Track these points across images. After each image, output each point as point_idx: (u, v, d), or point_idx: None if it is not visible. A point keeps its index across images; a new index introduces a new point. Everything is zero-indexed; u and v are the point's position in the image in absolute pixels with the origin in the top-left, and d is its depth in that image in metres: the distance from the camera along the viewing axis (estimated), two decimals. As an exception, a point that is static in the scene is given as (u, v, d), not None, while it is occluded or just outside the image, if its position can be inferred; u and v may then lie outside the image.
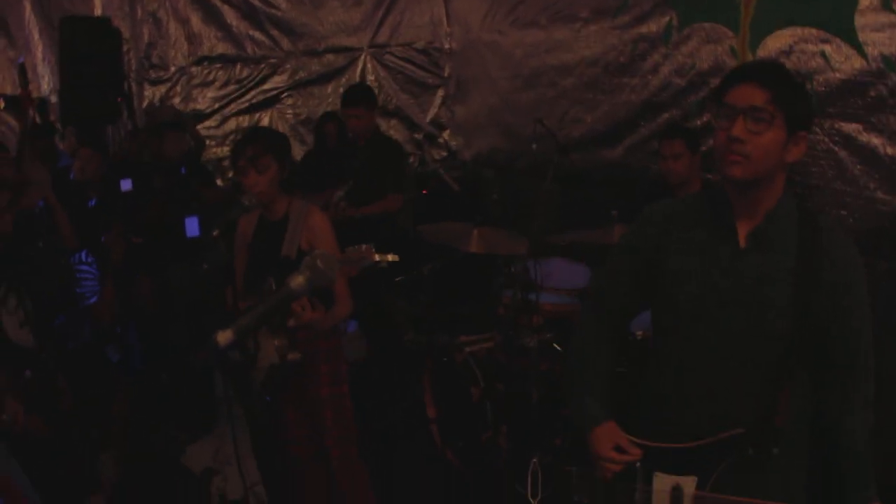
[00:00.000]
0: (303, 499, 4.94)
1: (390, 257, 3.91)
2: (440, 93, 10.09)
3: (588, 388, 2.99)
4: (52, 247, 5.28)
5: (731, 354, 2.63)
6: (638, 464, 2.77)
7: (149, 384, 6.48)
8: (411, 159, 10.07)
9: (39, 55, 9.75)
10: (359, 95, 7.03)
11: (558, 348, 5.21)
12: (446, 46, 9.86)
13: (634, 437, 2.81)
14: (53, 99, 9.61)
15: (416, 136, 10.17)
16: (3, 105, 6.67)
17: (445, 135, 10.20)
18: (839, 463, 2.65)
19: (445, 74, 9.95)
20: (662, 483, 2.72)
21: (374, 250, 3.87)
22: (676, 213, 2.82)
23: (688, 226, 2.76)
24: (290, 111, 10.09)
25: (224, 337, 2.44)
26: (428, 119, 10.13)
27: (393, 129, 10.08)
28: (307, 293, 2.74)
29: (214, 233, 4.09)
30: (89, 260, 5.65)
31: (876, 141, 4.93)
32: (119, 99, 8.87)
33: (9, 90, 9.88)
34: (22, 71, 6.12)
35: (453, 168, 9.76)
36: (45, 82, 9.76)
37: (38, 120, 9.17)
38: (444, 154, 10.17)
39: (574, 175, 5.89)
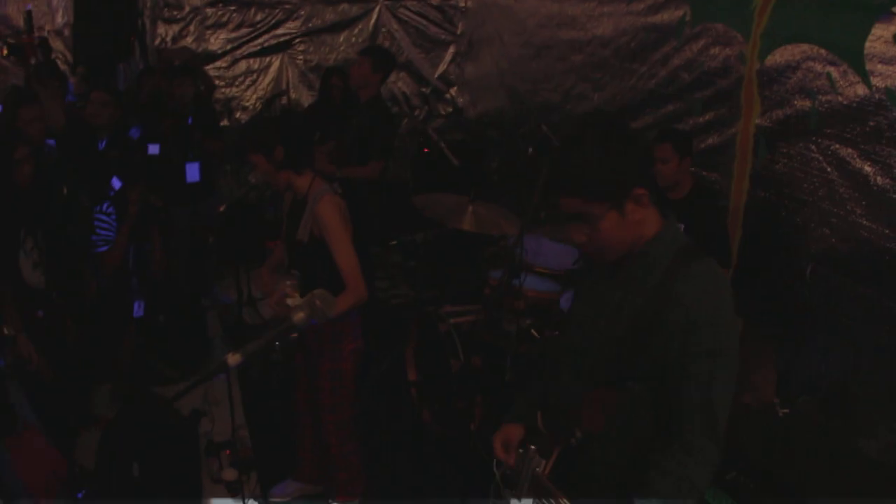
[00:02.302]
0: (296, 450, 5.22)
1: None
2: (451, 49, 10.22)
3: (527, 392, 3.24)
4: (75, 194, 5.38)
5: (581, 358, 2.84)
6: (531, 446, 2.94)
7: (146, 324, 6.57)
8: (416, 112, 10.16)
9: (55, -12, 9.72)
10: (375, 50, 7.13)
11: (536, 335, 5.36)
12: (461, 4, 9.96)
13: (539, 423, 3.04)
14: (66, 33, 9.57)
15: (424, 90, 10.26)
16: (6, 52, 6.66)
17: (453, 91, 10.31)
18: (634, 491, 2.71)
19: (458, 32, 10.03)
20: (533, 462, 2.92)
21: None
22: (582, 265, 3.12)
23: (586, 271, 3.04)
24: (300, 57, 10.12)
25: (234, 359, 2.73)
26: (437, 74, 10.26)
27: (401, 82, 10.22)
28: (306, 327, 2.97)
29: (221, 208, 4.17)
30: (109, 210, 5.73)
31: (868, 169, 5.01)
32: (132, 37, 8.88)
33: (22, 22, 9.84)
34: (28, 17, 6.16)
35: (457, 127, 9.85)
36: (59, 15, 9.68)
37: (39, 58, 9.18)
38: (450, 110, 10.26)
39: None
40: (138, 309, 6.19)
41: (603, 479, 2.79)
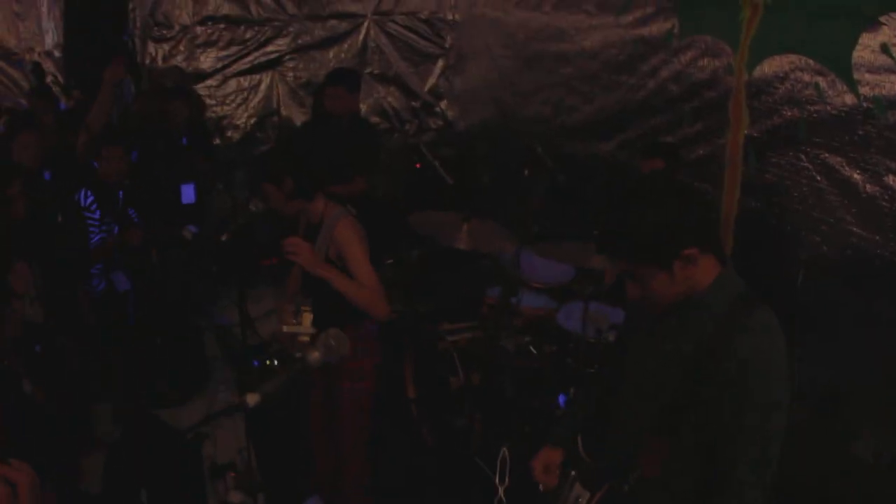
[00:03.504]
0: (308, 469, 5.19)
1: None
2: (440, 63, 10.23)
3: (567, 413, 3.37)
4: (71, 222, 5.38)
5: (637, 403, 2.84)
6: (573, 472, 3.04)
7: (142, 346, 6.58)
8: (407, 127, 10.19)
9: (45, 9, 9.67)
10: (341, 75, 7.07)
11: (534, 351, 5.40)
12: (449, 17, 9.97)
13: (580, 450, 3.09)
14: (57, 54, 9.58)
15: (414, 104, 10.27)
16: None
17: (442, 104, 10.32)
18: None
19: (447, 45, 10.06)
20: (575, 491, 3.00)
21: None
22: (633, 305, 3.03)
23: (638, 313, 2.99)
24: (290, 74, 10.15)
25: (252, 399, 2.79)
26: (426, 88, 10.26)
27: (391, 97, 10.23)
28: (320, 366, 3.01)
29: (223, 237, 4.16)
30: (92, 207, 5.65)
31: (857, 177, 5.05)
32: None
33: (12, 43, 9.85)
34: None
35: (447, 141, 9.88)
36: (50, 37, 9.69)
37: (32, 83, 9.20)
38: (440, 124, 10.28)
39: (565, 189, 5.98)
40: (123, 283, 6.13)
41: None
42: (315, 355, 2.97)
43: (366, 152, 6.94)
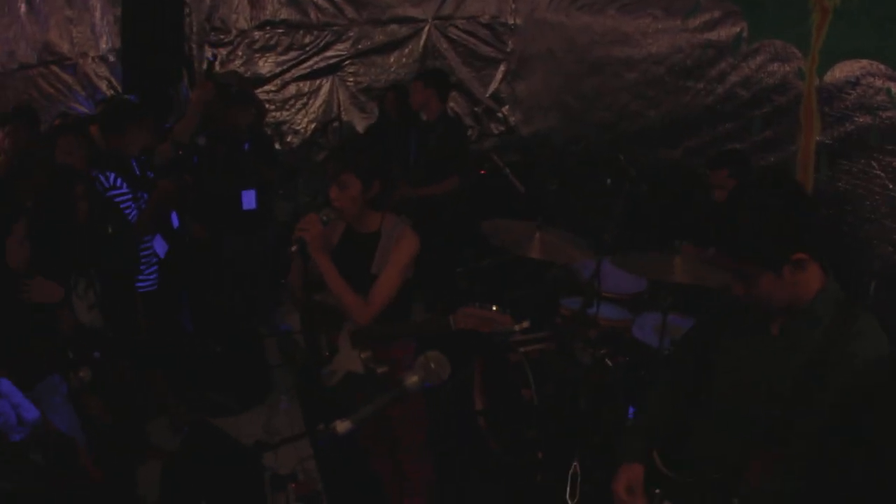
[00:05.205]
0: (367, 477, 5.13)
1: (525, 324, 3.98)
2: (502, 68, 10.21)
3: (639, 426, 3.28)
4: (122, 231, 5.37)
5: (737, 416, 2.80)
6: (657, 490, 2.99)
7: (202, 354, 6.63)
8: (469, 132, 10.16)
9: (98, 13, 9.71)
10: (425, 71, 7.32)
11: (609, 364, 5.35)
12: (511, 22, 9.94)
13: (659, 465, 3.05)
14: (111, 58, 9.63)
15: (476, 109, 10.26)
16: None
17: (504, 110, 10.29)
18: None
19: (508, 50, 10.04)
20: (657, 496, 2.97)
21: (512, 320, 3.95)
22: (725, 308, 3.00)
23: (734, 317, 2.92)
24: (351, 79, 10.17)
25: (343, 426, 2.67)
26: (488, 93, 10.26)
27: (453, 102, 10.17)
28: (419, 390, 2.86)
29: (293, 248, 4.11)
30: (118, 183, 5.56)
31: (931, 185, 5.00)
32: (180, 63, 8.94)
33: (65, 49, 9.89)
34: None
35: (510, 147, 9.84)
36: (104, 41, 9.70)
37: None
38: (502, 129, 10.25)
39: (638, 200, 5.94)
40: (161, 246, 6.08)
41: None
42: (413, 379, 2.81)
43: (457, 151, 7.02)
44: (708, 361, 2.99)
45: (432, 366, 2.86)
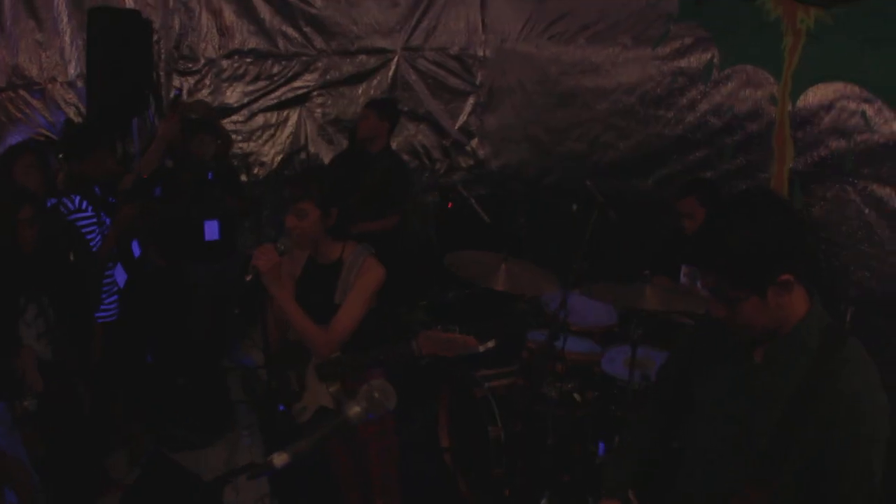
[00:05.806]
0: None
1: (490, 344, 3.93)
2: (471, 100, 10.05)
3: (620, 457, 3.17)
4: (85, 259, 5.24)
5: (723, 453, 2.65)
6: None
7: (163, 386, 6.49)
8: (437, 166, 10.02)
9: (68, 39, 9.55)
10: (374, 102, 7.27)
11: (578, 398, 5.21)
12: (480, 54, 9.81)
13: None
14: (80, 84, 9.48)
15: (445, 142, 10.11)
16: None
17: (473, 143, 10.14)
18: None
19: (477, 82, 9.91)
20: None
21: (476, 341, 3.91)
22: (702, 333, 2.87)
23: (712, 343, 2.76)
24: (318, 110, 9.99)
25: (280, 459, 2.48)
26: (457, 126, 10.08)
27: (421, 135, 10.03)
28: (362, 422, 2.66)
29: (247, 277, 3.98)
30: (83, 206, 5.51)
31: (908, 209, 4.89)
32: (147, 91, 8.80)
33: (34, 73, 9.72)
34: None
35: (479, 179, 9.72)
36: (72, 67, 9.56)
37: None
38: (471, 162, 10.11)
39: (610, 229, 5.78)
40: (121, 275, 5.98)
41: None
42: (356, 410, 2.60)
43: (398, 189, 6.87)
44: (687, 392, 2.85)
45: (376, 395, 2.64)
